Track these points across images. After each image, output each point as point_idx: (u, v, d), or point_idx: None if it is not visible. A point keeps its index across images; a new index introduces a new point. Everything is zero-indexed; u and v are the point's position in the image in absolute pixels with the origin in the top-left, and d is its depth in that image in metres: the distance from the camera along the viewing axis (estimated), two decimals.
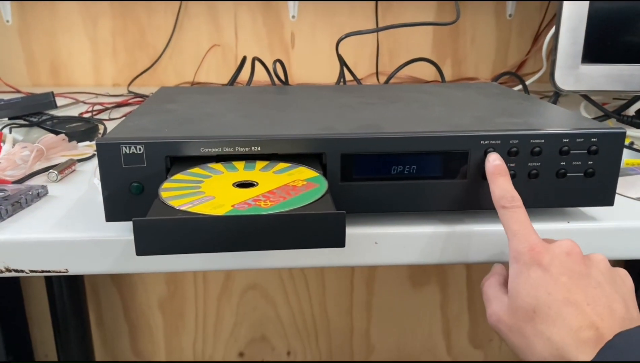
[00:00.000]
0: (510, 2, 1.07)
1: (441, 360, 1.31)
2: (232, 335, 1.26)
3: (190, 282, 1.21)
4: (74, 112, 0.84)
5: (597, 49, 0.66)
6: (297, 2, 1.05)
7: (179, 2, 1.04)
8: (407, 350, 1.29)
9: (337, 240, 0.35)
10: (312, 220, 0.34)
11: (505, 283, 0.41)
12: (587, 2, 0.65)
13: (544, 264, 0.36)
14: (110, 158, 0.40)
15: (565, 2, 0.65)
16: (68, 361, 1.13)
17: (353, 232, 0.44)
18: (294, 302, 1.24)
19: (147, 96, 0.95)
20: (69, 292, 1.10)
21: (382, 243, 0.44)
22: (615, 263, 0.41)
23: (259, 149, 0.41)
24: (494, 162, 0.42)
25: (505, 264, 0.40)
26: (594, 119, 0.73)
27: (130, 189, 0.41)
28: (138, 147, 0.40)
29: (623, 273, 0.38)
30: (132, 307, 1.22)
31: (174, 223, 0.34)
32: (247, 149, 0.41)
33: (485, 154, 0.43)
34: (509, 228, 0.39)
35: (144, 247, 0.34)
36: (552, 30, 0.68)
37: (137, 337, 1.25)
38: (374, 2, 1.05)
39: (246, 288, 1.22)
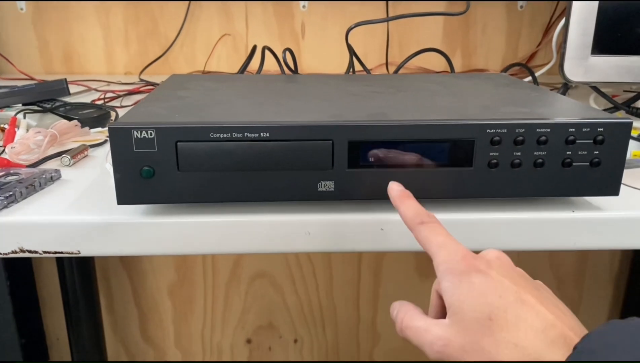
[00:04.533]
0: None
1: None
2: (240, 322, 1.28)
3: (199, 269, 1.22)
4: (86, 99, 0.85)
5: (607, 40, 0.66)
6: None
7: None
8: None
9: (325, 164, 0.43)
10: (308, 147, 0.43)
11: (426, 312, 0.37)
12: None
13: (483, 269, 0.33)
14: (122, 142, 0.41)
15: None
16: (82, 361, 1.15)
17: (360, 217, 0.45)
18: (301, 290, 1.25)
19: (158, 84, 0.96)
20: (80, 277, 1.11)
21: (388, 229, 0.45)
22: (620, 252, 0.41)
23: (268, 135, 0.42)
24: (398, 188, 0.41)
25: (513, 255, 0.41)
26: (603, 110, 0.73)
27: (141, 173, 0.42)
28: (149, 131, 0.41)
29: (541, 283, 0.36)
30: (142, 292, 1.24)
31: (206, 145, 0.42)
32: (255, 135, 0.42)
33: (492, 142, 0.43)
34: (433, 242, 0.36)
35: (184, 165, 0.42)
36: (563, 21, 0.68)
37: (146, 323, 1.27)
38: None
39: (254, 276, 1.23)
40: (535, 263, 1.22)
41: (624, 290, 1.27)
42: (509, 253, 0.39)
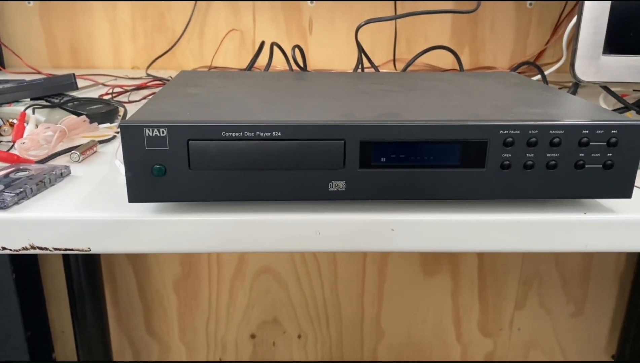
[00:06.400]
0: None
1: (451, 348, 1.32)
2: (245, 317, 1.28)
3: (204, 264, 1.22)
4: (94, 94, 0.85)
5: (619, 39, 0.65)
6: None
7: None
8: (417, 336, 1.30)
9: (337, 164, 0.43)
10: (320, 146, 0.43)
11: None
12: None
13: None
14: (133, 140, 0.41)
15: None
16: (89, 361, 1.16)
17: (370, 218, 0.45)
18: (306, 286, 1.25)
19: (165, 79, 0.96)
20: (85, 271, 1.12)
21: (399, 229, 0.45)
22: (626, 252, 0.40)
23: (280, 134, 0.42)
24: None
25: (519, 255, 0.40)
26: (613, 110, 0.73)
27: (153, 171, 0.42)
28: (161, 130, 0.41)
29: None
30: (147, 286, 1.24)
31: (218, 144, 0.42)
32: (267, 134, 0.42)
33: (505, 143, 0.43)
34: None
35: (195, 164, 0.42)
36: (574, 19, 0.68)
37: (151, 317, 1.27)
38: None
39: (259, 271, 1.23)
40: (540, 262, 1.22)
41: (629, 289, 1.27)
42: (519, 253, 0.39)
